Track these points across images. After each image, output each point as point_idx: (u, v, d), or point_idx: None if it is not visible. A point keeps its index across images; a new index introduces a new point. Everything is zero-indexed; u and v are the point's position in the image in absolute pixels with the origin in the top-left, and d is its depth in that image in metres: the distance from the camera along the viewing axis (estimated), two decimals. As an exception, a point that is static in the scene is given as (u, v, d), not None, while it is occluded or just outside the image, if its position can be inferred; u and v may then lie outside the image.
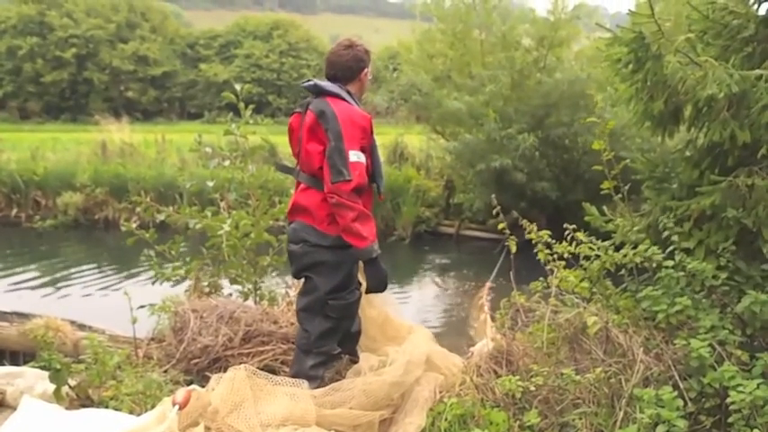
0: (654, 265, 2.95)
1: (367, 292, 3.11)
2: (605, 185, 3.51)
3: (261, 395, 2.64)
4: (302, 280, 3.18)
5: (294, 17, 40.79)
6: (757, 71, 2.91)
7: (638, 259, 2.97)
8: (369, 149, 3.03)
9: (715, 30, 3.35)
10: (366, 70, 3.14)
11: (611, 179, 3.49)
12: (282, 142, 13.51)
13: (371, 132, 3.05)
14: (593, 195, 3.84)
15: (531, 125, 10.97)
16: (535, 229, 3.43)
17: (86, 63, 34.49)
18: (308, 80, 3.11)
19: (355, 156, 2.87)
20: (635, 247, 3.05)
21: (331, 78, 3.09)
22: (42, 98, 33.93)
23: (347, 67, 3.08)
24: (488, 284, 4.04)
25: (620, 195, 3.49)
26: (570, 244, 3.34)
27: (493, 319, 3.43)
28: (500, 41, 12.73)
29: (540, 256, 3.43)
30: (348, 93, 3.06)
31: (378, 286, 3.05)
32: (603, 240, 3.28)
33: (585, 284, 3.22)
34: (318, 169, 2.96)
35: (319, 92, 3.02)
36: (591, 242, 3.25)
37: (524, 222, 3.47)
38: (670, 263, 2.88)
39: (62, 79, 33.92)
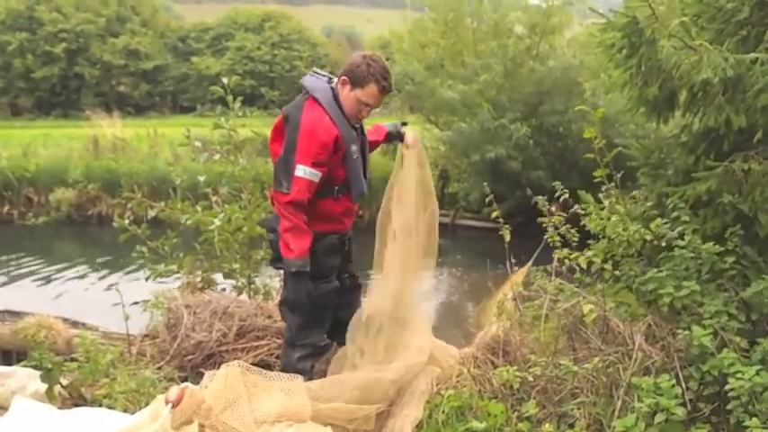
0: (663, 244, 2.91)
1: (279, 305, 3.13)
2: (598, 173, 3.48)
3: (255, 391, 2.61)
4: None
5: (285, 9, 40.60)
6: (752, 55, 2.87)
7: (648, 236, 2.92)
8: (339, 161, 2.94)
9: (709, 13, 3.31)
10: (344, 80, 2.91)
11: (603, 167, 3.46)
12: (275, 134, 13.50)
13: (340, 147, 2.91)
14: (588, 183, 3.81)
15: (524, 113, 10.95)
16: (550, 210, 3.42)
17: (77, 58, 34.24)
18: (311, 73, 3.02)
19: (302, 171, 2.80)
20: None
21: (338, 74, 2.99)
22: (33, 94, 33.69)
23: (353, 66, 2.92)
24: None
25: (612, 183, 3.45)
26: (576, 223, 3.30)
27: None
28: (492, 29, 12.67)
29: (550, 240, 3.41)
30: (334, 96, 2.93)
31: (292, 303, 3.01)
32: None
33: (597, 260, 3.10)
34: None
35: (306, 83, 2.96)
36: (598, 213, 3.19)
37: (540, 200, 3.45)
38: (682, 242, 2.85)
39: (53, 74, 33.66)
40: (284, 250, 2.86)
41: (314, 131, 2.81)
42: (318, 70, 3.05)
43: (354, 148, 2.97)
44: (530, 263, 3.69)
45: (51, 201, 12.69)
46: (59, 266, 9.57)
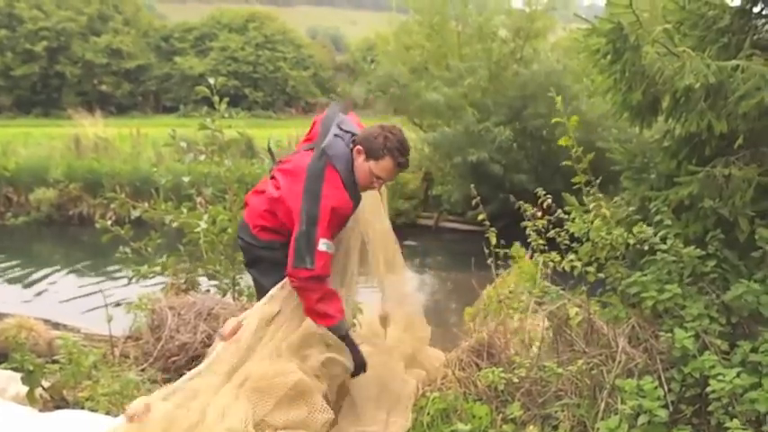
0: (646, 247, 2.94)
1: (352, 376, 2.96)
2: (576, 179, 3.50)
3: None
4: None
5: (270, 9, 40.44)
6: (734, 62, 2.91)
7: (631, 240, 2.93)
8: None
9: (691, 20, 3.35)
10: (359, 150, 2.81)
11: (581, 173, 3.48)
12: (259, 135, 13.44)
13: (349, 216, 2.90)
14: (571, 186, 3.85)
15: (508, 117, 11.02)
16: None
17: (58, 56, 33.85)
18: (336, 130, 2.88)
19: (325, 245, 2.70)
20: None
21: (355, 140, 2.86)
22: (12, 92, 33.23)
23: (370, 136, 2.81)
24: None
25: (592, 188, 3.46)
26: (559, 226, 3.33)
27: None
28: (477, 33, 12.75)
29: (534, 244, 3.43)
30: (351, 166, 2.83)
31: (357, 369, 2.92)
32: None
33: (578, 264, 3.12)
34: (283, 211, 2.82)
35: (326, 151, 2.79)
36: (581, 216, 3.21)
37: (541, 193, 3.47)
38: (664, 246, 2.88)
39: (33, 73, 33.23)
40: (324, 319, 2.75)
41: (335, 209, 2.73)
42: (344, 124, 2.92)
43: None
44: (513, 266, 3.73)
45: (31, 200, 12.53)
46: (40, 267, 9.45)
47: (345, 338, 2.83)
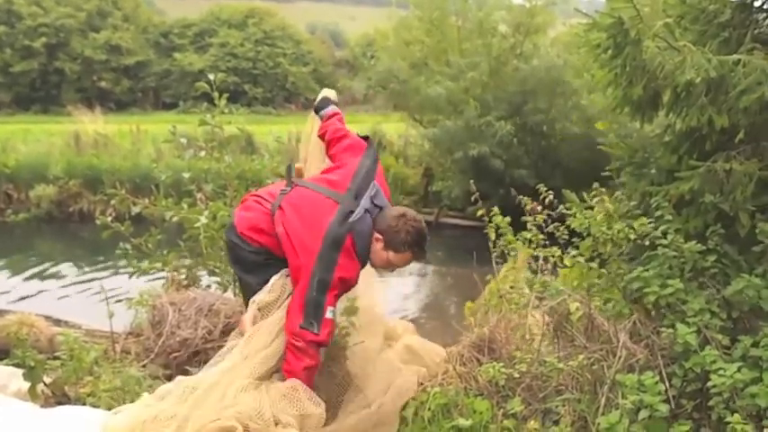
0: (647, 242, 2.94)
1: None
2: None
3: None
4: None
5: (269, 5, 40.24)
6: (735, 56, 2.91)
7: (632, 235, 2.93)
8: None
9: (692, 15, 3.35)
10: (380, 238, 2.80)
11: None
12: (259, 131, 13.42)
13: None
14: (571, 182, 3.85)
15: (509, 112, 11.02)
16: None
17: (57, 52, 33.76)
18: (374, 194, 2.86)
19: (331, 313, 2.70)
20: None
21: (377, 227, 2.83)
22: (11, 89, 33.15)
23: (391, 228, 2.80)
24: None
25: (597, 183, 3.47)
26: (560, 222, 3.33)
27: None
28: (477, 28, 12.73)
29: (534, 239, 3.44)
30: (369, 244, 2.81)
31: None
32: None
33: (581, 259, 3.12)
34: (288, 250, 2.76)
35: (354, 225, 2.76)
36: (582, 212, 3.19)
37: (543, 189, 3.46)
38: (665, 241, 2.87)
39: (32, 69, 33.14)
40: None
41: (345, 280, 2.73)
42: (378, 198, 2.87)
43: None
44: (515, 261, 3.73)
45: (31, 197, 12.52)
46: (40, 264, 9.47)
47: None
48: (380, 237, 2.80)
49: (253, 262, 2.88)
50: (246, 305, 2.88)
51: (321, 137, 3.18)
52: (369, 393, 2.94)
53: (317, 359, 2.70)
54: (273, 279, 2.80)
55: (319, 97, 3.30)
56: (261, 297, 2.78)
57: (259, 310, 2.74)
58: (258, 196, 2.98)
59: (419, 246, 2.83)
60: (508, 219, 3.63)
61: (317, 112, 3.24)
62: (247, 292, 2.94)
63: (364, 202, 2.81)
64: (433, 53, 13.51)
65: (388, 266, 2.89)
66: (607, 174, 3.63)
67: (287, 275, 2.80)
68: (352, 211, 2.76)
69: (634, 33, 2.96)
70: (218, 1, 39.49)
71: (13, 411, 2.69)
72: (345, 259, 2.71)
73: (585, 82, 9.40)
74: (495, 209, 3.63)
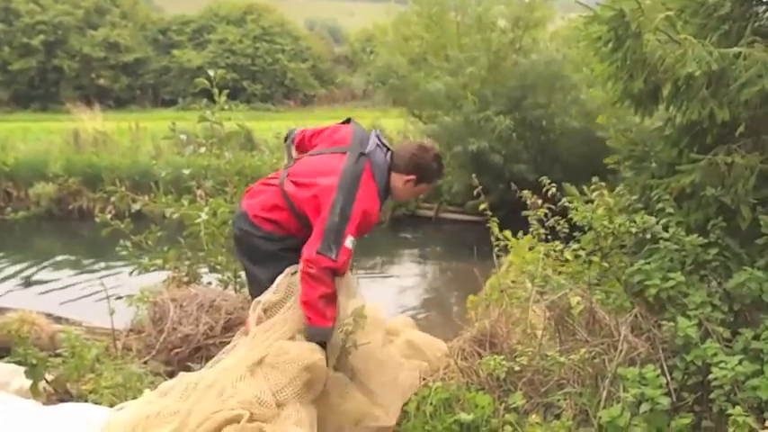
0: (648, 236, 2.94)
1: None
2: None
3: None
4: None
5: (268, 1, 40.06)
6: (735, 49, 2.91)
7: (633, 229, 2.93)
8: None
9: (692, 8, 3.34)
10: (412, 178, 2.92)
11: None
12: (258, 128, 13.41)
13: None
14: (571, 176, 3.85)
15: (508, 107, 11.00)
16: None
17: (55, 50, 33.67)
18: (379, 135, 2.97)
19: (350, 242, 2.71)
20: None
21: (392, 154, 2.95)
22: (10, 87, 33.06)
23: (401, 155, 2.92)
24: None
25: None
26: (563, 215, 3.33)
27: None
28: (476, 23, 12.70)
29: (536, 233, 3.44)
30: (386, 177, 2.91)
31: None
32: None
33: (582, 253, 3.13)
34: (304, 200, 2.81)
35: (368, 156, 2.86)
36: (583, 206, 3.19)
37: (546, 182, 3.47)
38: (666, 234, 2.87)
39: (30, 67, 33.05)
40: (319, 318, 2.69)
41: (367, 212, 2.78)
42: (381, 138, 2.98)
43: None
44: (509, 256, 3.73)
45: (31, 195, 12.49)
46: (40, 262, 9.45)
47: (324, 345, 2.73)
48: (413, 176, 2.92)
49: (264, 252, 2.89)
50: (253, 301, 2.89)
51: (299, 146, 3.17)
52: (373, 389, 2.93)
53: (332, 287, 2.71)
54: (279, 279, 2.80)
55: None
56: (266, 297, 2.78)
57: (264, 311, 2.74)
58: (262, 182, 3.04)
59: (443, 169, 3.05)
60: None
61: (285, 140, 3.26)
62: (255, 288, 2.96)
63: (372, 140, 2.91)
64: (432, 48, 13.49)
65: (414, 197, 3.09)
66: (606, 167, 3.63)
67: (293, 274, 2.80)
68: (363, 153, 2.84)
69: (635, 26, 2.96)
70: (217, -3, 39.28)
71: (16, 409, 2.69)
72: (366, 189, 2.77)
73: (585, 76, 9.38)
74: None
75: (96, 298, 3.86)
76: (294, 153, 3.11)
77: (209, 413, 2.36)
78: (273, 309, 2.76)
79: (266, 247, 2.89)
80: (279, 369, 2.54)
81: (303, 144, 3.14)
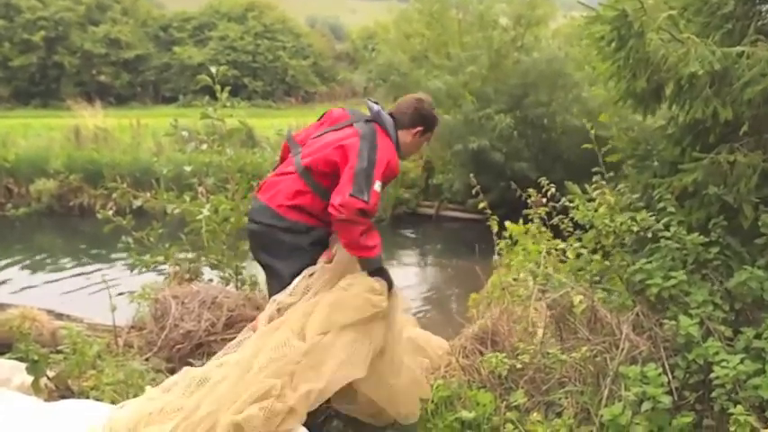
0: (649, 235, 2.94)
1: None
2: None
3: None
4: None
5: (269, -2, 40.05)
6: (739, 48, 2.90)
7: (635, 227, 2.93)
8: None
9: (695, 6, 3.34)
10: (418, 130, 3.09)
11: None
12: (259, 125, 13.41)
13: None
14: (572, 175, 3.85)
15: (509, 105, 10.99)
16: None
17: (56, 46, 33.63)
18: (375, 102, 3.10)
19: (378, 186, 2.82)
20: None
21: (392, 115, 3.09)
22: (11, 83, 33.02)
23: (403, 112, 3.09)
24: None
25: (600, 175, 3.47)
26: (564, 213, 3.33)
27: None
28: (477, 21, 12.68)
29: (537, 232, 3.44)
30: (396, 136, 3.04)
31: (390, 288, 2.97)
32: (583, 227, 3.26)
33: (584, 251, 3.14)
34: (321, 176, 2.91)
35: (375, 119, 3.01)
36: (584, 204, 3.20)
37: (545, 182, 3.47)
38: (667, 233, 2.88)
39: (31, 63, 33.01)
40: (365, 251, 2.82)
41: (389, 161, 2.91)
42: (381, 104, 3.11)
43: None
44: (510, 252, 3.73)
45: (32, 192, 12.49)
46: (42, 258, 9.46)
47: (380, 271, 2.88)
48: (419, 127, 3.09)
49: (289, 244, 2.92)
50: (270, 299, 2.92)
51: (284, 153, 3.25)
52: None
53: (367, 223, 2.82)
54: (296, 281, 2.81)
55: None
56: (282, 298, 2.78)
57: (278, 310, 2.74)
58: (275, 175, 3.09)
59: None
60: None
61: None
62: (275, 284, 2.97)
63: (374, 107, 3.05)
64: (433, 46, 13.47)
65: (420, 148, 3.25)
66: (606, 164, 3.62)
67: (310, 275, 2.84)
68: (368, 120, 3.00)
69: (638, 25, 2.95)
70: (218, -6, 39.20)
71: (17, 406, 2.69)
72: (384, 141, 2.93)
73: (586, 74, 9.37)
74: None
75: (97, 295, 3.85)
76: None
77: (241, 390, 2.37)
78: (287, 310, 2.77)
79: (290, 240, 2.92)
80: (274, 360, 2.54)
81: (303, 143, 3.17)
